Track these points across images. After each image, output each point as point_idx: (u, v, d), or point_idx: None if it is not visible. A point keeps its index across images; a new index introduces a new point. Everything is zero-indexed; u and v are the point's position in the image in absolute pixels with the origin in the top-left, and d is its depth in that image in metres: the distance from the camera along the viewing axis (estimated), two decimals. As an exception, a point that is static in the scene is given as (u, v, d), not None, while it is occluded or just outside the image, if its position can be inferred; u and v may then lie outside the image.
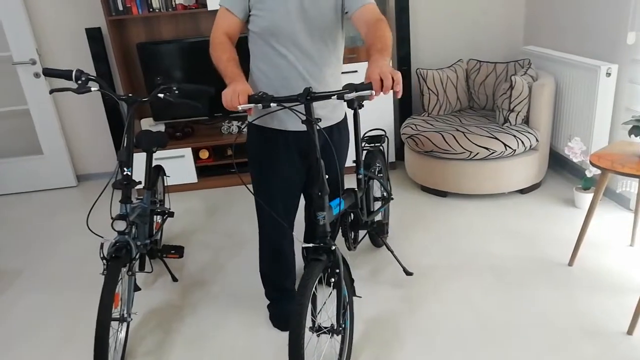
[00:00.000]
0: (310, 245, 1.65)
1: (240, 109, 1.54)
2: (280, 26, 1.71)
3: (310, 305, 1.61)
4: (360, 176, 2.20)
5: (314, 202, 1.65)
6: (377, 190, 2.62)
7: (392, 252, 2.39)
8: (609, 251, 2.46)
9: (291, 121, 1.85)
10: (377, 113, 3.56)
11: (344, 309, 1.73)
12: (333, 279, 1.69)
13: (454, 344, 1.94)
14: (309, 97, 1.55)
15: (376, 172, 2.45)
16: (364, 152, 2.39)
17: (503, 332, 1.98)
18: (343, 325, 1.74)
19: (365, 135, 2.45)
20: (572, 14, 3.19)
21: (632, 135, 2.12)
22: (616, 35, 2.77)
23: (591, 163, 2.17)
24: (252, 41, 1.82)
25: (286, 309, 2.15)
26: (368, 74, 1.42)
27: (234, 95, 1.52)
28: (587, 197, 2.86)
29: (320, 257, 1.62)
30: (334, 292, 1.72)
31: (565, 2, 3.25)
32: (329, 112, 1.90)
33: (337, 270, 1.67)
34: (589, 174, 2.81)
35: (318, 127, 1.62)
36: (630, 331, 1.91)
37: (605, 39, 2.87)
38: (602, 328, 1.95)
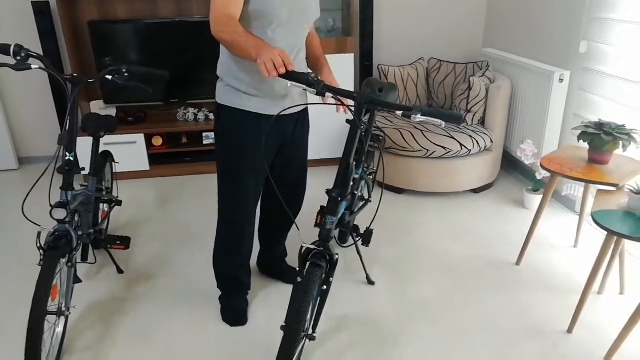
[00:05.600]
0: (312, 247, 1.61)
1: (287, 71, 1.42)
2: (274, 13, 1.64)
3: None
4: (357, 176, 2.17)
5: (328, 205, 1.62)
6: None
7: (360, 256, 2.36)
8: (554, 252, 2.54)
9: (271, 106, 1.81)
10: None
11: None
12: (324, 287, 1.67)
13: (398, 342, 1.95)
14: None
15: (368, 173, 2.44)
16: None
17: (449, 330, 2.01)
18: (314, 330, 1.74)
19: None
20: (529, 20, 3.27)
21: (581, 141, 2.19)
22: (570, 43, 2.86)
23: (542, 166, 2.22)
24: (243, 23, 1.70)
25: (237, 303, 2.10)
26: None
27: (278, 58, 1.41)
28: (536, 199, 2.95)
29: (320, 264, 1.58)
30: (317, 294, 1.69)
31: (523, 8, 3.33)
32: (298, 97, 1.90)
33: (330, 279, 1.65)
34: (539, 176, 2.89)
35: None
36: (570, 329, 1.98)
37: (559, 46, 2.96)
38: (545, 327, 2.01)
